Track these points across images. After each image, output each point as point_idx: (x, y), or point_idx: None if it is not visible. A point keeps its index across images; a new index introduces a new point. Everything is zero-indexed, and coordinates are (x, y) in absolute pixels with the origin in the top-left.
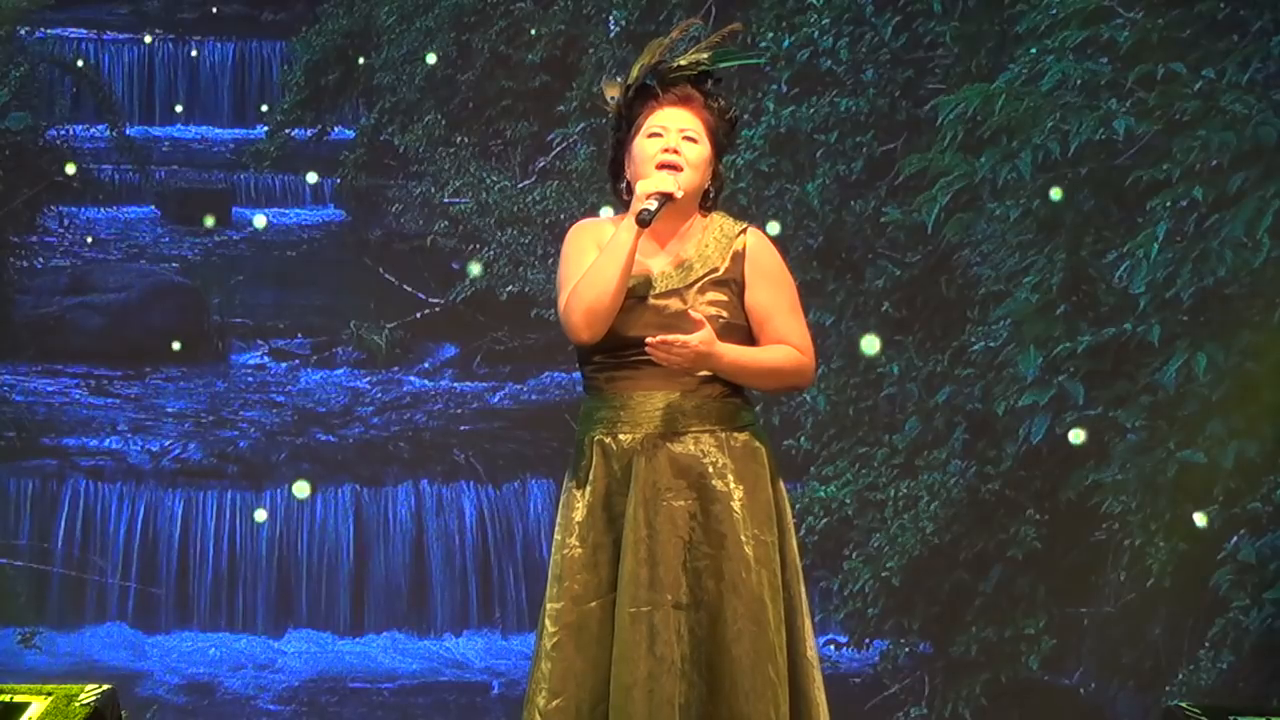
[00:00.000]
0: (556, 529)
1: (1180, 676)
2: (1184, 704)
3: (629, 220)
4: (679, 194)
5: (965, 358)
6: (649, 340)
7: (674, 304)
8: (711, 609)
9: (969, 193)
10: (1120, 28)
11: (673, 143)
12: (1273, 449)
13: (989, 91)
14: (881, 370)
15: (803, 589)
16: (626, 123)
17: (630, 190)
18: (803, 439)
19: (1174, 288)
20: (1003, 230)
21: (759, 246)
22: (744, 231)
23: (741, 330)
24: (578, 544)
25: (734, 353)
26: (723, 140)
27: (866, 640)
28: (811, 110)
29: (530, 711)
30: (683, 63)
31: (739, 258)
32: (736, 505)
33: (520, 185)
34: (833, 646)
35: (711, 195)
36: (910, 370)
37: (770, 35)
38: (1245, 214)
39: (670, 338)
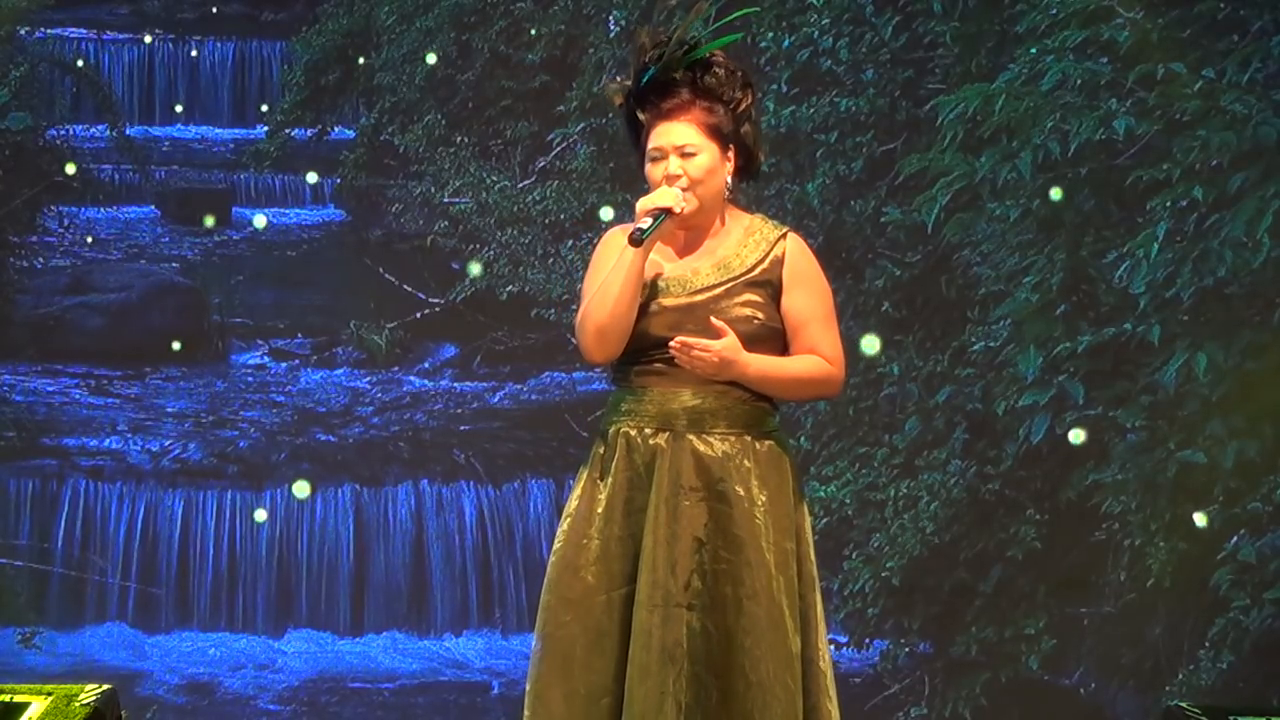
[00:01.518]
0: (571, 516)
1: (1180, 676)
2: (1184, 704)
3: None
4: (679, 209)
5: (965, 358)
6: (672, 343)
7: (705, 301)
8: (728, 614)
9: (969, 193)
10: (1120, 28)
11: (674, 168)
12: (1273, 449)
13: (989, 91)
14: (881, 370)
15: (818, 599)
16: (634, 132)
17: None
18: (803, 439)
19: (1174, 288)
20: (1003, 230)
21: (798, 252)
22: (784, 236)
23: (777, 334)
24: (596, 535)
25: (760, 363)
26: (727, 125)
27: (866, 640)
28: (811, 110)
29: (534, 696)
30: (670, 60)
31: (778, 262)
32: (759, 511)
33: (520, 185)
34: (833, 646)
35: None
36: (910, 370)
37: (770, 35)
38: (1245, 214)
39: (693, 341)
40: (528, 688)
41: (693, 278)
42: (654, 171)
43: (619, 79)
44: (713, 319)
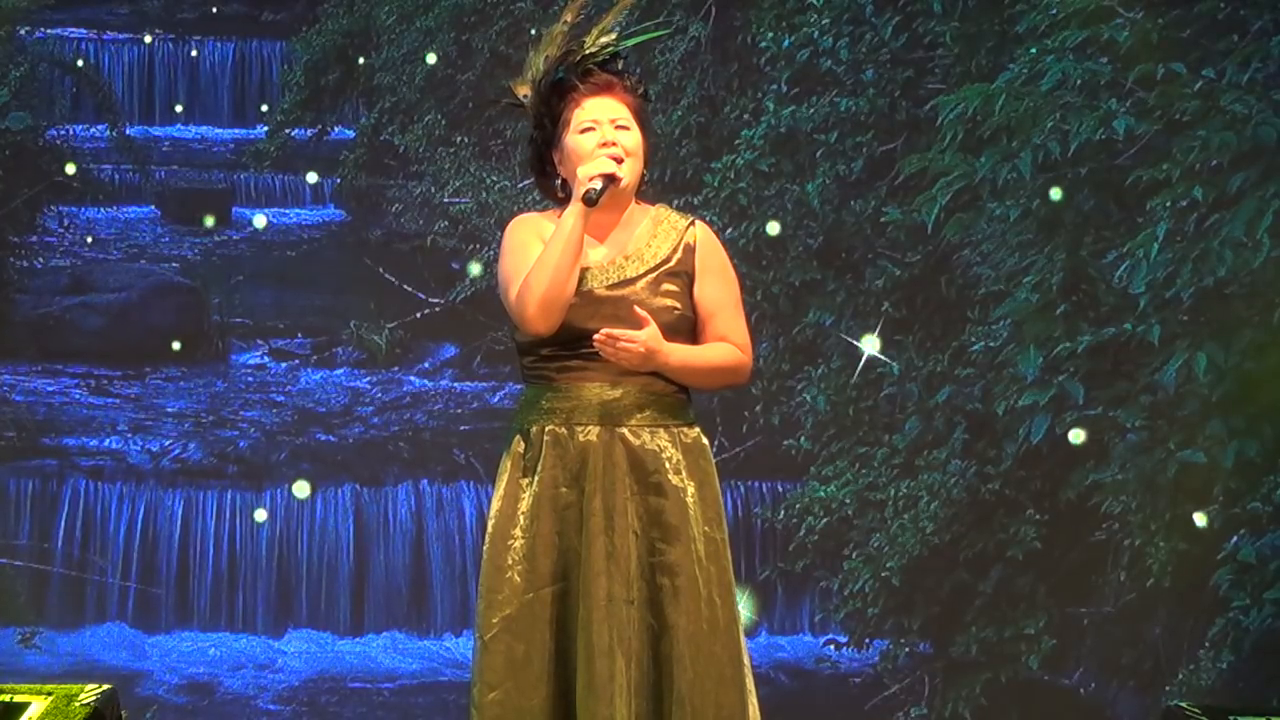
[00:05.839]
0: (495, 517)
1: (1180, 676)
2: (1184, 704)
3: (574, 204)
4: (620, 173)
5: (965, 358)
6: (596, 336)
7: (627, 294)
8: (665, 607)
9: (969, 193)
10: (1120, 28)
11: (609, 135)
12: (1273, 449)
13: (989, 91)
14: (881, 370)
15: (733, 595)
16: (549, 120)
17: (565, 187)
18: (803, 439)
19: (1174, 288)
20: (1003, 230)
21: (708, 240)
22: (692, 224)
23: (691, 323)
24: (521, 535)
25: (681, 352)
26: (646, 120)
27: (866, 640)
28: (811, 110)
29: (469, 704)
30: (591, 50)
31: (690, 250)
32: (690, 500)
33: (520, 185)
34: (833, 646)
35: (645, 179)
36: (910, 370)
37: (770, 35)
38: (1245, 214)
39: (618, 333)
40: (470, 694)
41: (611, 269)
42: (584, 141)
43: (527, 76)
44: (636, 308)
